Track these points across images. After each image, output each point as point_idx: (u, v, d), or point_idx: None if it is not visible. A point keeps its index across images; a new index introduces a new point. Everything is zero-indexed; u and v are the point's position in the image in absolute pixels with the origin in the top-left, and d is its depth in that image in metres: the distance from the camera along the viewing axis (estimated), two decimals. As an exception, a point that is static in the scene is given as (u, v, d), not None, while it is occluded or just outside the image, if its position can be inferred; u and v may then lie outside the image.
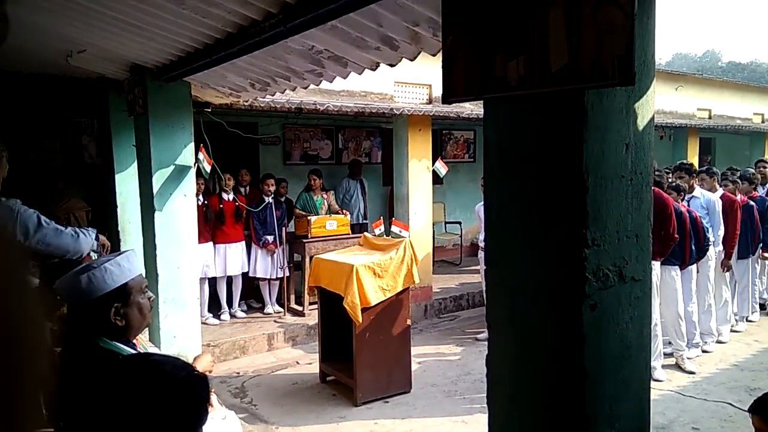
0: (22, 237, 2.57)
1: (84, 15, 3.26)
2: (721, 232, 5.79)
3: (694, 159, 10.50)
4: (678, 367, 5.21)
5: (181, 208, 4.80)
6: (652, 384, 4.96)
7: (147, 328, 2.51)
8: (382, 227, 5.20)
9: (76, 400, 1.36)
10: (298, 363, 5.60)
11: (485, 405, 1.81)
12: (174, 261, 4.75)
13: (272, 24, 2.84)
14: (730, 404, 4.44)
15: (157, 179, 4.67)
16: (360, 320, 4.36)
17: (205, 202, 6.19)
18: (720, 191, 6.04)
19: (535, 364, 1.60)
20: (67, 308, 1.88)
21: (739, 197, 6.16)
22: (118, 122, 5.76)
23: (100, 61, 4.65)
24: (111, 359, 1.68)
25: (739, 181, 6.44)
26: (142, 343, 2.25)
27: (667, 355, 5.25)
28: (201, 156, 5.07)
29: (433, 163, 7.08)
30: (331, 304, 4.74)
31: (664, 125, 10.39)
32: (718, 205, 5.75)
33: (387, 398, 4.63)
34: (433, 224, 7.87)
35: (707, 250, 5.44)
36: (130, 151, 5.53)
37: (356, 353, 4.46)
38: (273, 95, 4.77)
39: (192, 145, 4.84)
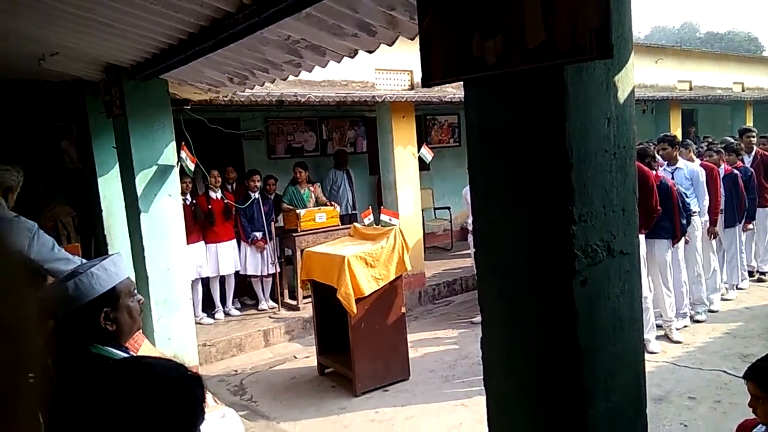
0: (34, 258, 2.74)
1: (54, 16, 3.19)
2: (706, 202, 5.84)
3: (677, 131, 10.55)
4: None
5: (167, 209, 4.75)
6: (647, 356, 4.99)
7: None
8: (371, 216, 5.19)
9: (71, 409, 1.34)
10: (295, 357, 5.60)
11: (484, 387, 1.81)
12: (163, 262, 4.71)
13: (246, 15, 2.80)
14: (725, 372, 4.49)
15: (140, 180, 4.61)
16: (355, 311, 4.36)
17: (194, 201, 6.13)
18: (697, 161, 6.09)
19: (529, 342, 1.60)
20: (56, 317, 1.85)
21: (723, 167, 6.21)
22: (97, 125, 5.66)
23: (73, 63, 4.56)
24: (103, 364, 1.67)
25: (723, 150, 6.49)
26: (146, 345, 2.23)
27: (659, 326, 5.31)
28: (183, 154, 5.01)
29: (419, 150, 7.07)
30: (325, 297, 4.73)
31: (646, 99, 10.42)
32: (702, 175, 5.79)
33: (386, 387, 4.64)
34: (422, 211, 7.87)
35: (690, 218, 5.48)
36: (111, 153, 5.44)
37: (353, 344, 4.47)
38: (252, 89, 4.72)
39: (173, 144, 4.78)
